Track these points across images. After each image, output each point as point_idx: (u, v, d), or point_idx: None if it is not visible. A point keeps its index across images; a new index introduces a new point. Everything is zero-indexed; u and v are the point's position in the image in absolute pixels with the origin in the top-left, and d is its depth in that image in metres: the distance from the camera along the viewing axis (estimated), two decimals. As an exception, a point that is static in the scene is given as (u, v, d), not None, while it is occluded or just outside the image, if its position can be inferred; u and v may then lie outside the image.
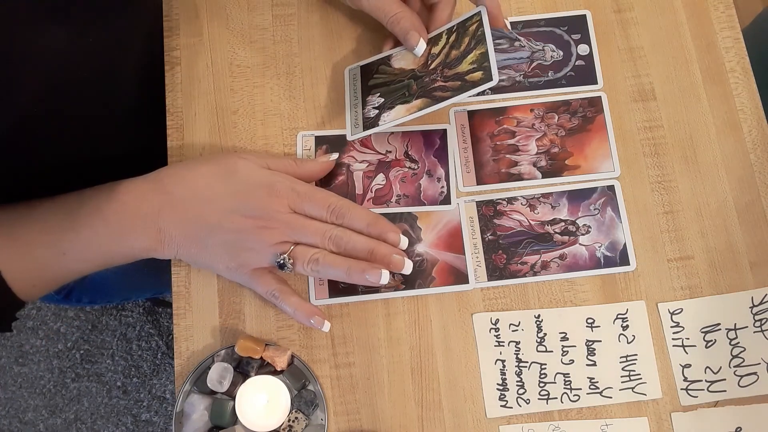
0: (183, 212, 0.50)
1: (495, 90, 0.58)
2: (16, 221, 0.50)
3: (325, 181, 0.56)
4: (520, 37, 0.59)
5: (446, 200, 0.55)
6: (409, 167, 0.56)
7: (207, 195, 0.51)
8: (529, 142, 0.57)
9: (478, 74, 0.51)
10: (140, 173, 0.53)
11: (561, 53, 0.59)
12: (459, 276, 0.53)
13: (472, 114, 0.57)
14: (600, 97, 0.57)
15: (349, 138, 0.55)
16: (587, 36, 0.59)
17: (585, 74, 0.58)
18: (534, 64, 0.58)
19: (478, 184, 0.56)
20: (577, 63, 0.58)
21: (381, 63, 0.57)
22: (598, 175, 0.56)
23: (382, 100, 0.55)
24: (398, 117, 0.53)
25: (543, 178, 0.56)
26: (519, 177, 0.56)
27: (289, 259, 0.50)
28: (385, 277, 0.50)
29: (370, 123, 0.54)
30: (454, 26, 0.55)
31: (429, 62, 0.55)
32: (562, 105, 0.57)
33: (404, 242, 0.52)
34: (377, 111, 0.54)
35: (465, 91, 0.51)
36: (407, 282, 0.53)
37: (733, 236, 0.54)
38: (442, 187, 0.55)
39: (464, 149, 0.56)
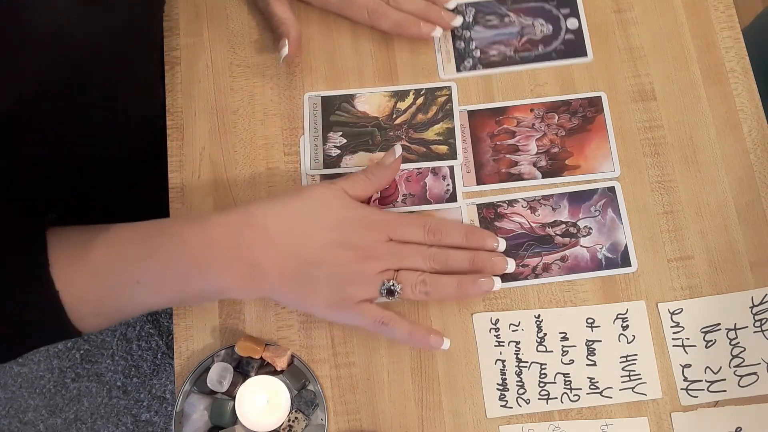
0: (280, 248, 0.48)
1: (486, 64, 0.58)
2: (90, 243, 0.47)
3: None
4: (509, 13, 0.60)
5: (452, 198, 0.55)
6: (414, 167, 0.56)
7: (304, 230, 0.49)
8: (529, 142, 0.57)
9: (443, 148, 0.56)
10: (148, 167, 0.52)
11: (550, 27, 0.59)
12: (459, 276, 0.53)
13: (472, 114, 0.57)
14: (600, 97, 0.57)
15: (308, 173, 0.56)
16: (576, 10, 0.59)
17: (575, 47, 0.58)
18: (524, 39, 0.59)
19: (478, 184, 0.56)
20: (566, 37, 0.59)
21: (344, 100, 0.58)
22: (598, 175, 0.56)
23: (345, 141, 0.56)
24: (361, 164, 0.56)
25: (543, 178, 0.56)
26: (519, 177, 0.56)
27: (397, 284, 0.50)
28: (497, 284, 0.51)
29: (331, 162, 0.56)
30: (422, 90, 0.58)
31: (394, 116, 0.57)
32: (562, 105, 0.57)
33: (502, 244, 0.53)
34: (339, 151, 0.56)
35: (429, 161, 0.56)
36: None
37: (733, 236, 0.54)
38: (448, 185, 0.55)
39: (464, 149, 0.56)
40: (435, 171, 0.56)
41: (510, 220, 0.55)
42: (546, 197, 0.55)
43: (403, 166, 0.56)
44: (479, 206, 0.55)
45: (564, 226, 0.54)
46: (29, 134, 0.49)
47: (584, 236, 0.54)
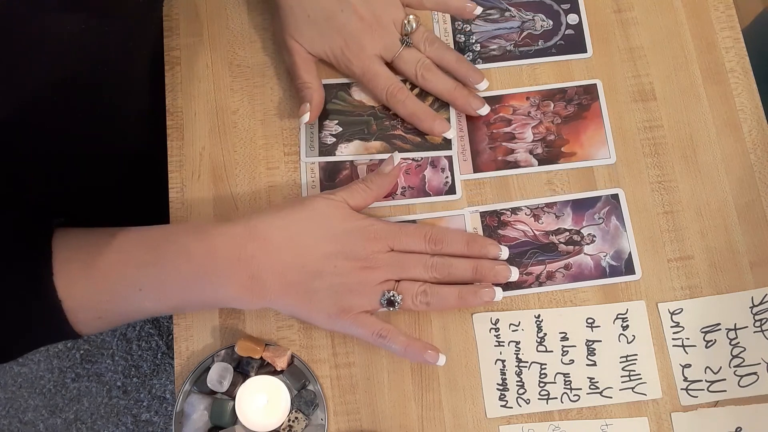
0: (281, 259, 0.49)
1: (486, 59, 0.58)
2: (94, 248, 0.48)
3: (330, 177, 0.56)
4: (510, 8, 0.60)
5: (451, 190, 0.55)
6: (413, 158, 0.56)
7: (304, 241, 0.49)
8: (526, 130, 0.57)
9: (438, 138, 0.56)
10: (147, 169, 0.52)
11: (551, 22, 0.59)
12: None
13: (468, 103, 0.57)
14: (595, 84, 0.58)
15: (304, 161, 0.56)
16: (576, 5, 0.60)
17: (575, 42, 0.59)
18: (524, 33, 0.59)
19: (474, 172, 0.56)
20: (566, 32, 0.59)
21: (340, 89, 0.58)
22: (594, 162, 0.56)
23: (341, 129, 0.57)
24: (356, 153, 0.56)
25: (539, 165, 0.56)
26: (515, 164, 0.56)
27: (398, 294, 0.50)
28: (499, 294, 0.51)
29: (326, 150, 0.56)
30: None
31: None
32: (558, 93, 0.58)
33: (505, 252, 0.52)
34: (335, 139, 0.56)
35: (424, 151, 0.56)
36: None
37: (733, 236, 0.54)
38: (447, 177, 0.55)
39: (460, 137, 0.57)
40: (434, 163, 0.56)
41: (513, 228, 0.55)
42: (549, 205, 0.55)
43: (399, 156, 0.56)
44: (482, 214, 0.55)
45: (568, 233, 0.54)
46: (33, 137, 0.50)
47: (588, 244, 0.54)
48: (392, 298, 0.50)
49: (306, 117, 0.55)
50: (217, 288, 0.48)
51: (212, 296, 0.49)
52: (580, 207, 0.55)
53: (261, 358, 0.51)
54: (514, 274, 0.52)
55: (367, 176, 0.54)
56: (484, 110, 0.56)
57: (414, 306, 0.50)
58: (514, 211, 0.55)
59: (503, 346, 0.52)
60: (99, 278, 0.47)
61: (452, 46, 0.59)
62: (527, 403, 0.51)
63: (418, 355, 0.50)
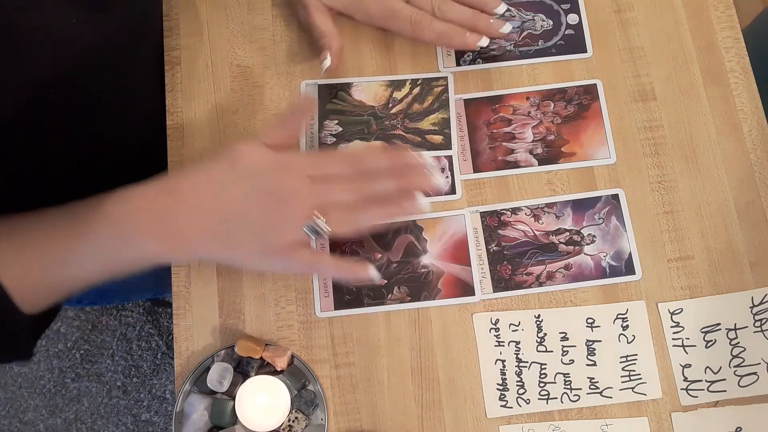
0: (199, 210, 0.48)
1: (486, 58, 0.59)
2: (23, 232, 0.48)
3: None
4: (510, 8, 0.60)
5: (451, 190, 0.55)
6: None
7: (222, 188, 0.49)
8: (525, 130, 0.57)
9: (438, 138, 0.57)
10: (147, 169, 0.52)
11: (551, 22, 0.59)
12: (465, 288, 0.53)
13: (468, 102, 0.57)
14: (595, 84, 0.58)
15: None
16: (576, 5, 0.60)
17: (575, 42, 0.59)
18: (524, 33, 0.59)
19: (474, 172, 0.56)
20: (566, 32, 0.59)
21: (340, 89, 0.58)
22: (594, 161, 0.56)
23: (341, 129, 0.57)
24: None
25: (539, 165, 0.56)
26: (515, 164, 0.56)
27: (322, 221, 0.48)
28: (425, 205, 0.49)
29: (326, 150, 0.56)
30: (419, 80, 0.58)
31: (390, 105, 0.57)
32: (558, 93, 0.58)
33: (429, 160, 0.50)
34: (335, 139, 0.56)
35: (424, 150, 0.56)
36: (413, 295, 0.53)
37: (733, 236, 0.54)
38: (447, 177, 0.56)
39: (461, 137, 0.57)
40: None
41: (514, 228, 0.55)
42: (549, 205, 0.55)
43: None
44: (482, 214, 0.55)
45: (568, 234, 0.54)
46: (29, 135, 0.50)
47: (588, 244, 0.54)
48: (314, 226, 0.48)
49: (327, 62, 0.55)
50: (144, 247, 0.48)
51: (141, 256, 0.49)
52: (580, 207, 0.55)
53: (261, 358, 0.51)
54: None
55: (279, 113, 0.54)
56: (507, 28, 0.56)
57: (341, 229, 0.49)
58: (514, 211, 0.55)
59: (503, 346, 0.52)
60: (27, 259, 0.47)
61: None
62: (527, 403, 0.51)
63: (349, 272, 0.50)
